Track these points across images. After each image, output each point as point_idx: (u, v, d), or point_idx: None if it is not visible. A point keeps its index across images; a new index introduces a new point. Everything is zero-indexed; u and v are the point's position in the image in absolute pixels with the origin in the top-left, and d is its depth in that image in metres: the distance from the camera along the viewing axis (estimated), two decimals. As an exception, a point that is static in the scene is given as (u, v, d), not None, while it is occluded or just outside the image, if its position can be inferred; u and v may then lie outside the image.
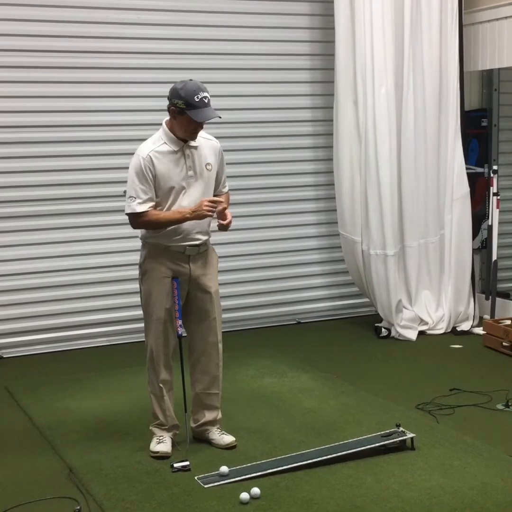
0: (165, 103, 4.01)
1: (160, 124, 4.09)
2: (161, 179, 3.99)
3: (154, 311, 4.11)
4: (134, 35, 6.27)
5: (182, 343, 4.13)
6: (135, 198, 3.99)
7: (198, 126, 3.99)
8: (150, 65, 6.33)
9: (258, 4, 6.63)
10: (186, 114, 3.92)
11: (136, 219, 4.03)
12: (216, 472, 3.84)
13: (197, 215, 3.98)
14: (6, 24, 5.92)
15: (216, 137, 4.22)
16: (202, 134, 4.10)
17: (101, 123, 6.25)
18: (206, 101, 3.92)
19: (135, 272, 4.26)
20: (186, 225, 4.03)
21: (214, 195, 4.19)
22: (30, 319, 6.21)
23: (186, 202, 4.04)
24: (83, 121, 6.20)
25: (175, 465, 3.93)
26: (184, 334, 4.18)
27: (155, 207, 4.02)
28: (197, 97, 3.90)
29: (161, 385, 4.17)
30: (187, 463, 3.94)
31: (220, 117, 3.99)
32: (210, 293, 4.16)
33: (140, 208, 3.98)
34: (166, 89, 4.03)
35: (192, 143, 4.05)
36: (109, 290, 6.40)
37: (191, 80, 3.99)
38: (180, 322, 4.07)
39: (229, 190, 4.37)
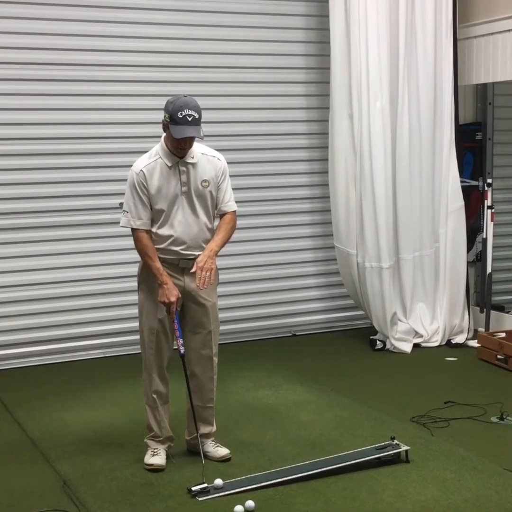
0: (159, 116, 4.01)
1: (157, 137, 4.10)
2: (155, 194, 3.98)
3: (146, 321, 4.13)
4: (131, 48, 6.29)
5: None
6: (127, 212, 4.02)
7: (182, 143, 3.91)
8: (147, 78, 6.33)
9: (255, 17, 6.66)
10: (169, 128, 3.91)
11: (133, 233, 4.05)
12: (211, 484, 3.82)
13: (161, 296, 3.95)
14: (2, 37, 5.93)
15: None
16: (205, 150, 4.07)
17: (98, 136, 6.26)
18: (189, 119, 3.83)
19: (130, 284, 4.27)
20: (179, 240, 4.02)
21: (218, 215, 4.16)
22: (25, 331, 6.19)
23: (179, 217, 4.02)
24: (80, 133, 6.20)
25: (194, 488, 3.78)
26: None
27: (151, 222, 4.03)
28: (181, 114, 3.83)
29: (154, 395, 4.17)
30: (205, 485, 3.80)
31: (202, 138, 3.90)
32: (206, 307, 4.14)
33: (131, 224, 4.02)
34: (161, 102, 4.01)
35: (189, 159, 4.00)
36: (105, 302, 6.40)
37: (185, 96, 3.93)
38: (181, 341, 4.02)
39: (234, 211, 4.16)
